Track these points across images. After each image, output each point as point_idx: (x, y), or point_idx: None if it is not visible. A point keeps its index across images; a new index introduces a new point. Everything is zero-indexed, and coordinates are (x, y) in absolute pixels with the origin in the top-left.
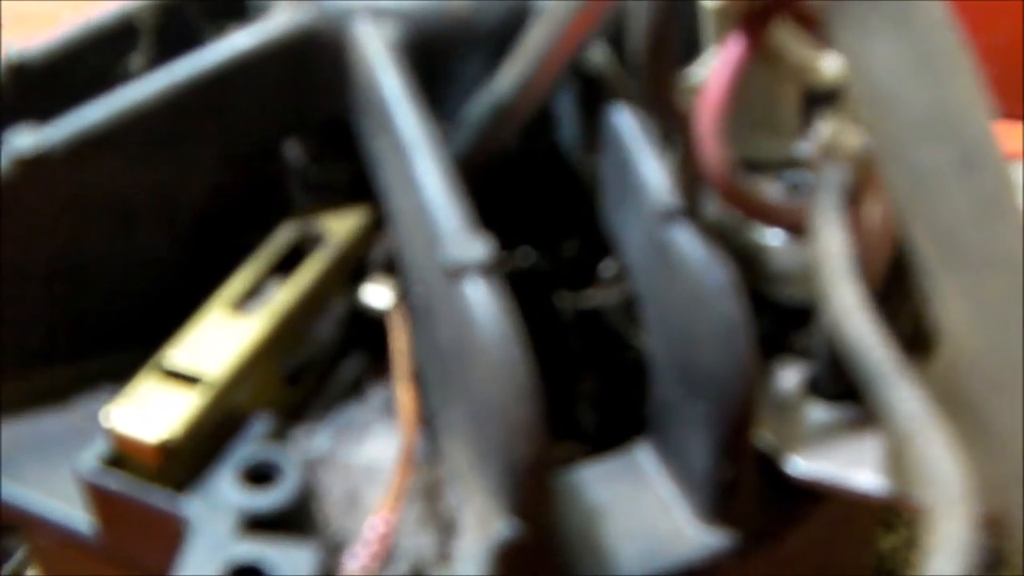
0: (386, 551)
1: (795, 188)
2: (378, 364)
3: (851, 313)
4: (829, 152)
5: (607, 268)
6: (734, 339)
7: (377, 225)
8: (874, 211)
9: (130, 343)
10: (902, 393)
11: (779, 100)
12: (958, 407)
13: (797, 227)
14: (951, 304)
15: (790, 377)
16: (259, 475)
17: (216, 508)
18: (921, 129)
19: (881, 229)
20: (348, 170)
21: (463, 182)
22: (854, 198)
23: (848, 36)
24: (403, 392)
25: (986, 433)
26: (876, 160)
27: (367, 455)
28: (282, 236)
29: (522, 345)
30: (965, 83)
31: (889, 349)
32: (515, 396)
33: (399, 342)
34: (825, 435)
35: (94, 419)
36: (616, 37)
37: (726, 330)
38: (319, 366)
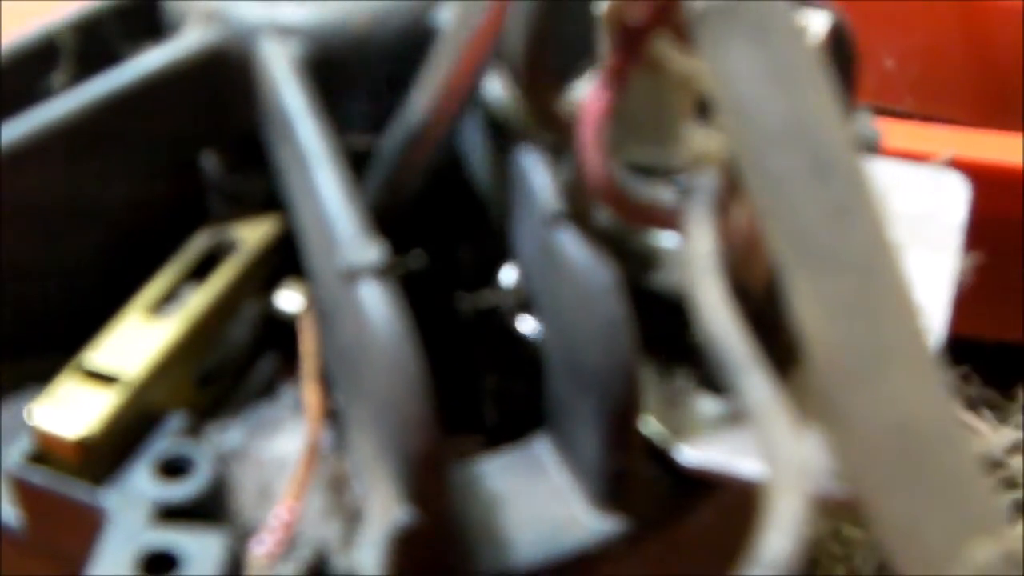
0: (290, 537)
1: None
2: (291, 366)
3: (712, 307)
4: (700, 158)
5: (507, 271)
6: (616, 337)
7: (289, 233)
8: (742, 215)
9: (56, 348)
10: (753, 379)
11: (668, 108)
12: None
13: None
14: (806, 303)
15: (682, 372)
16: (173, 468)
17: (132, 499)
18: (775, 137)
19: (750, 232)
20: (262, 181)
21: (381, 223)
22: (723, 203)
23: (710, 47)
24: (309, 390)
25: (844, 427)
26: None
27: (279, 450)
28: (197, 243)
29: (413, 343)
30: (818, 94)
31: (745, 340)
32: (407, 391)
33: (307, 344)
34: (715, 426)
35: (22, 419)
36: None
37: (608, 329)
38: (233, 367)
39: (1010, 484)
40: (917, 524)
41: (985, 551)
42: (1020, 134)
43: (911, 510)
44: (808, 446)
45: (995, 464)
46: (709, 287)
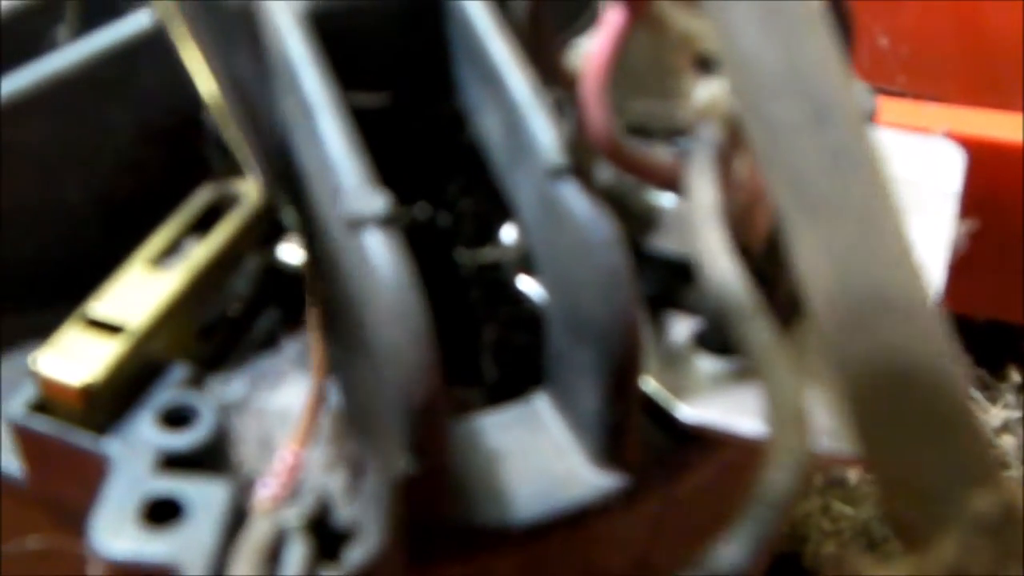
0: (295, 482)
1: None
2: (293, 318)
3: (715, 256)
4: (703, 113)
5: (509, 229)
6: (617, 288)
7: None
8: (745, 167)
9: (57, 302)
10: (755, 325)
11: (670, 67)
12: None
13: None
14: (805, 249)
15: (681, 331)
16: (176, 417)
17: (136, 448)
18: (775, 86)
19: (751, 188)
20: None
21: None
22: (726, 155)
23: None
24: (315, 340)
25: (842, 374)
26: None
27: (281, 402)
28: (200, 197)
29: (417, 291)
30: (818, 43)
31: (747, 288)
32: (410, 340)
33: (313, 295)
34: (713, 385)
35: (24, 373)
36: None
37: (609, 280)
38: (235, 319)
39: (1001, 464)
40: (915, 474)
41: (985, 501)
42: (1012, 112)
43: (909, 459)
44: (808, 395)
45: None
46: (710, 237)
